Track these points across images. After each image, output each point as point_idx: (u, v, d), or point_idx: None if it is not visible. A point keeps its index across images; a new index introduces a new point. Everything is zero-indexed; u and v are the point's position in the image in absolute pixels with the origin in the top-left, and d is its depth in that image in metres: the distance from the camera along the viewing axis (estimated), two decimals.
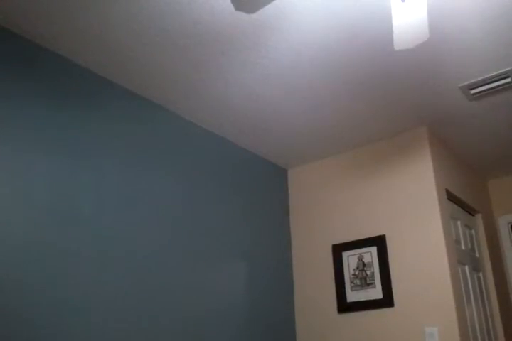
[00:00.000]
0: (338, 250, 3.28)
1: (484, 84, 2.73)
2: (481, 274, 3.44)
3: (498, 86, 2.73)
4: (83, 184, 2.34)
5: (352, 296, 3.13)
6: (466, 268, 3.21)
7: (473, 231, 3.57)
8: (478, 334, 3.05)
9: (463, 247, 3.29)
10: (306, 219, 3.54)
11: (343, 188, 3.44)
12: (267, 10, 2.16)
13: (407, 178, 3.15)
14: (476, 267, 3.41)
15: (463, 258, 3.20)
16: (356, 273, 3.16)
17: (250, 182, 3.39)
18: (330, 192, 3.49)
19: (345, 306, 3.14)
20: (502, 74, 2.64)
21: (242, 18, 2.21)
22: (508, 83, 2.71)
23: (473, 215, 3.68)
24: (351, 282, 3.16)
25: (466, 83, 2.73)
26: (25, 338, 1.94)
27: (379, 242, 3.11)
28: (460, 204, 3.45)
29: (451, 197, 3.30)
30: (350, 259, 3.22)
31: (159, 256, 2.58)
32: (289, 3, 2.12)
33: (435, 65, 2.57)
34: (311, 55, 2.48)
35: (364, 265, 3.15)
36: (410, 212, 3.07)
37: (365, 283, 3.10)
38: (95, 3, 2.11)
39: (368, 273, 3.11)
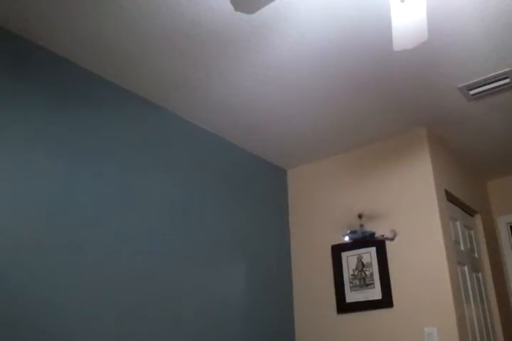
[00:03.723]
0: (338, 250, 3.28)
1: (483, 85, 2.73)
2: (480, 274, 3.45)
3: (498, 86, 2.73)
4: (83, 184, 2.34)
5: (351, 297, 3.13)
6: (466, 268, 3.21)
7: (472, 232, 3.57)
8: (478, 335, 3.05)
9: (462, 248, 3.29)
10: (306, 220, 3.54)
11: (342, 188, 3.44)
12: (267, 10, 2.16)
13: (406, 179, 3.15)
14: (475, 267, 3.41)
15: (462, 259, 3.20)
16: (355, 273, 3.16)
17: (250, 182, 3.39)
18: (329, 192, 3.49)
19: (344, 307, 3.14)
20: (501, 74, 2.65)
21: (241, 18, 2.21)
22: (507, 84, 2.71)
23: (472, 216, 3.68)
24: (350, 282, 3.16)
25: (465, 84, 2.73)
26: (25, 337, 1.94)
27: (378, 243, 3.11)
28: (459, 204, 3.45)
29: (451, 198, 3.30)
30: (350, 260, 3.22)
31: (159, 256, 2.58)
32: (288, 3, 2.12)
33: (434, 66, 2.58)
34: (310, 56, 2.48)
35: (363, 265, 3.15)
36: (410, 212, 3.07)
37: (365, 283, 3.10)
38: (94, 3, 2.11)
39: (367, 273, 3.11)
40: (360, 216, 3.19)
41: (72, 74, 2.47)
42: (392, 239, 3.01)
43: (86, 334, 2.15)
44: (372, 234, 2.98)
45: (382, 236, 2.99)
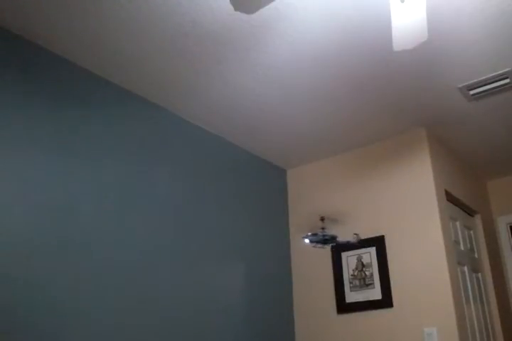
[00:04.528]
0: (337, 250, 3.28)
1: (483, 85, 2.73)
2: (480, 275, 3.45)
3: (497, 87, 2.73)
4: (82, 184, 2.34)
5: (351, 297, 3.13)
6: (465, 268, 3.21)
7: (472, 232, 3.57)
8: (477, 335, 3.05)
9: (462, 248, 3.29)
10: (306, 220, 3.54)
11: (342, 189, 3.44)
12: (267, 10, 2.16)
13: (406, 179, 3.15)
14: (475, 268, 3.41)
15: (462, 259, 3.20)
16: (355, 273, 3.16)
17: (250, 182, 3.39)
18: (329, 192, 3.49)
19: (344, 307, 3.14)
20: (501, 74, 2.65)
21: (241, 18, 2.21)
22: (507, 84, 2.71)
23: (472, 216, 3.68)
24: (350, 282, 3.16)
25: (465, 84, 2.73)
26: (25, 337, 1.94)
27: (378, 243, 3.11)
28: (459, 204, 3.45)
29: (451, 198, 3.30)
30: (350, 260, 3.22)
31: (159, 256, 2.58)
32: (288, 3, 2.12)
33: (434, 66, 2.58)
34: (310, 56, 2.48)
35: (363, 265, 3.15)
36: (409, 212, 3.07)
37: (364, 283, 3.10)
38: (94, 4, 2.11)
39: (367, 273, 3.11)
40: (322, 219, 3.22)
41: (72, 74, 2.47)
42: (354, 243, 3.07)
43: (86, 333, 2.15)
44: (334, 238, 3.02)
45: (347, 241, 3.05)
